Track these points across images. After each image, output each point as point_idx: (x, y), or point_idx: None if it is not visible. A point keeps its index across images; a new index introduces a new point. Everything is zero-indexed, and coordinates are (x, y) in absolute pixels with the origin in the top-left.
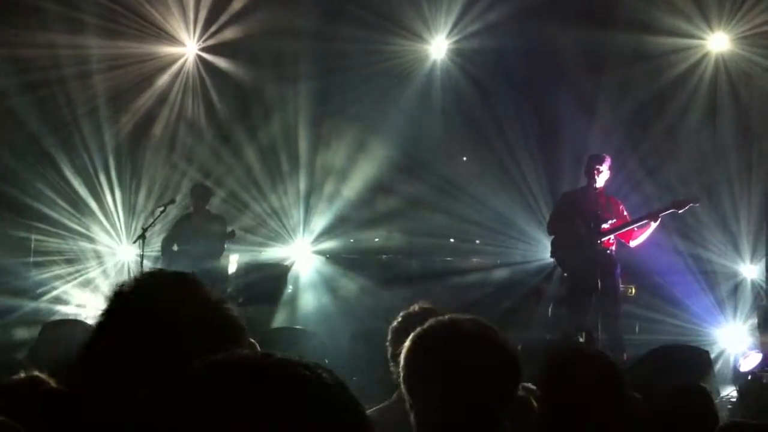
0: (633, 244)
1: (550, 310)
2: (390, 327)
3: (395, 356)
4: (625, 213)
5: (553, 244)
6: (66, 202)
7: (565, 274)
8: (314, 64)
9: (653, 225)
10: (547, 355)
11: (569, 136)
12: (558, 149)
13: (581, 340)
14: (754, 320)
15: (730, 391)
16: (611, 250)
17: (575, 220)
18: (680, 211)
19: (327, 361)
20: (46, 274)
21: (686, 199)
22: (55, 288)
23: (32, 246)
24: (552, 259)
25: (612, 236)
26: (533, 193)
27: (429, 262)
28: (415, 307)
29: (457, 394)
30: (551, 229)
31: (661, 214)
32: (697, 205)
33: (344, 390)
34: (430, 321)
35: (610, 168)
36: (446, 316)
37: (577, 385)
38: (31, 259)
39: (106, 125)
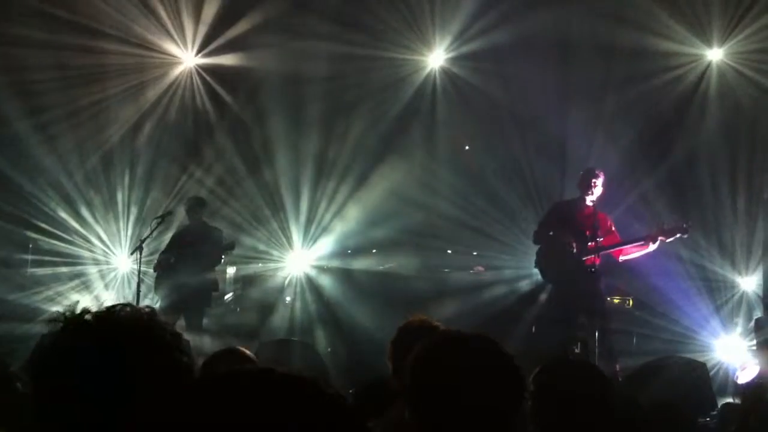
0: (621, 259)
1: (534, 325)
2: (390, 341)
3: (396, 371)
4: (613, 229)
5: (538, 253)
6: (69, 209)
7: (548, 285)
8: (315, 75)
9: (650, 248)
10: (536, 369)
11: (567, 150)
12: (557, 161)
13: (576, 350)
14: (751, 334)
15: (724, 403)
16: (595, 266)
17: (566, 233)
18: (668, 240)
19: (323, 373)
20: (43, 289)
21: (676, 228)
22: (50, 288)
23: (31, 247)
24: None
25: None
26: (530, 203)
27: (428, 274)
28: (412, 321)
29: (462, 406)
30: (538, 238)
31: (652, 240)
32: (686, 236)
33: (345, 403)
34: (436, 334)
35: (604, 184)
36: (451, 330)
37: (563, 395)
38: (30, 257)
39: (108, 133)
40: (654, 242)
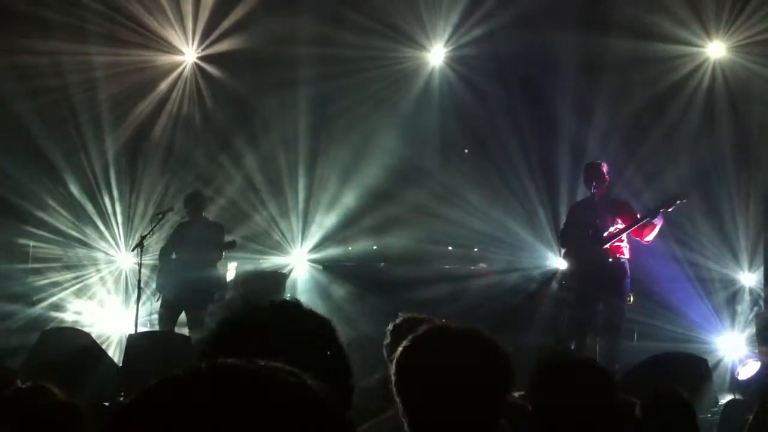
0: (647, 239)
1: (558, 318)
2: (384, 344)
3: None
4: (636, 213)
5: (564, 256)
6: (65, 210)
7: (573, 284)
8: (313, 71)
9: (657, 223)
10: (538, 363)
11: (568, 142)
12: (556, 155)
13: (572, 347)
14: (752, 329)
15: (728, 400)
16: (622, 258)
17: (579, 231)
18: (670, 210)
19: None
20: (44, 281)
21: (674, 197)
22: (52, 294)
23: (30, 252)
24: (552, 268)
25: (624, 241)
26: (531, 199)
27: (426, 270)
28: (403, 319)
29: (449, 397)
30: (562, 242)
31: (654, 212)
32: (685, 201)
33: (327, 396)
34: (422, 327)
35: (608, 173)
36: (437, 323)
37: (567, 391)
38: (30, 266)
39: (106, 133)
40: (656, 215)
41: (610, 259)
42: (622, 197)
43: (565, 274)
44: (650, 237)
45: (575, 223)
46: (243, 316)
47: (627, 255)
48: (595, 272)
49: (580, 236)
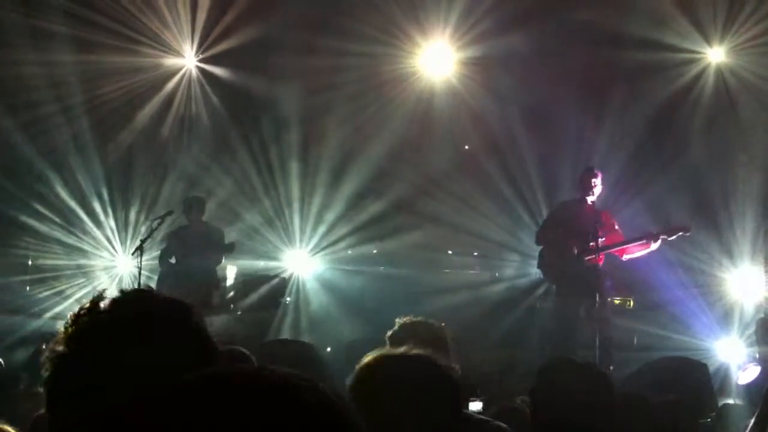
0: (626, 257)
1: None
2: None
3: None
4: (617, 227)
5: (541, 254)
6: (62, 216)
7: (553, 286)
8: (311, 73)
9: (652, 246)
10: (538, 368)
11: (569, 148)
12: (558, 162)
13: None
14: (752, 333)
15: (728, 404)
16: (599, 266)
17: (568, 234)
18: (670, 238)
19: (324, 373)
20: (44, 293)
21: (677, 227)
22: (54, 305)
23: (29, 263)
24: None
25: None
26: (533, 205)
27: (427, 274)
28: (399, 326)
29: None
30: (540, 239)
31: (654, 238)
32: (688, 234)
33: (339, 401)
34: (374, 356)
35: (604, 182)
36: (390, 351)
37: (565, 395)
38: (28, 277)
39: (104, 138)
40: (655, 241)
41: (592, 266)
42: (608, 209)
43: (545, 276)
44: (631, 256)
45: (562, 225)
46: (93, 303)
47: (602, 263)
48: (577, 276)
49: (571, 240)
